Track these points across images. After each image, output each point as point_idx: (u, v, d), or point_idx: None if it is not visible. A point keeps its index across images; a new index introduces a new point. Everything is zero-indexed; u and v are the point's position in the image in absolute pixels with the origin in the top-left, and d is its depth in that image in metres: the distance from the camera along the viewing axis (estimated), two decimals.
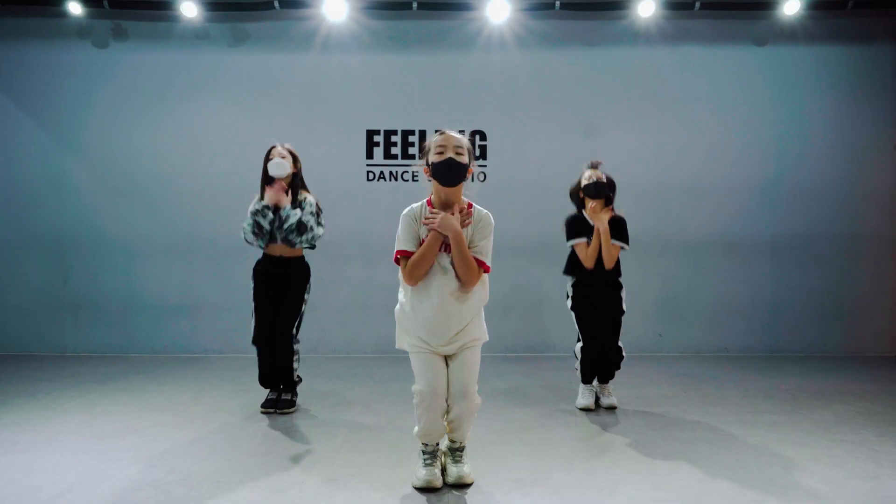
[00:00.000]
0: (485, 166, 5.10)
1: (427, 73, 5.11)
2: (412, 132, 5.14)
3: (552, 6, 4.92)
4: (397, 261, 2.21)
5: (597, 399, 3.44)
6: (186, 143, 5.08)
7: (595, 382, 3.50)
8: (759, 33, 5.09)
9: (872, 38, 5.08)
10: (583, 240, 3.34)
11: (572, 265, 3.41)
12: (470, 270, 2.14)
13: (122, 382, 3.99)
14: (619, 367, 3.46)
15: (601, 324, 3.41)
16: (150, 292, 5.07)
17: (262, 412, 3.29)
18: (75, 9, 4.79)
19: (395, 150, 5.12)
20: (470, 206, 2.25)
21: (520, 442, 2.79)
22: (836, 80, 5.10)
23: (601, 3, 4.98)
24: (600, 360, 3.42)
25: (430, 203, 2.24)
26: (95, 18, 5.03)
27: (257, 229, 3.19)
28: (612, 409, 3.35)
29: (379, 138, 5.14)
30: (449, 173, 2.16)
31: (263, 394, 3.43)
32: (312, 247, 3.36)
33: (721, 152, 5.11)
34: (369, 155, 5.15)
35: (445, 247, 2.17)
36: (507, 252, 5.02)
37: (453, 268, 2.17)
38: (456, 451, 2.29)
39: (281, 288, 3.29)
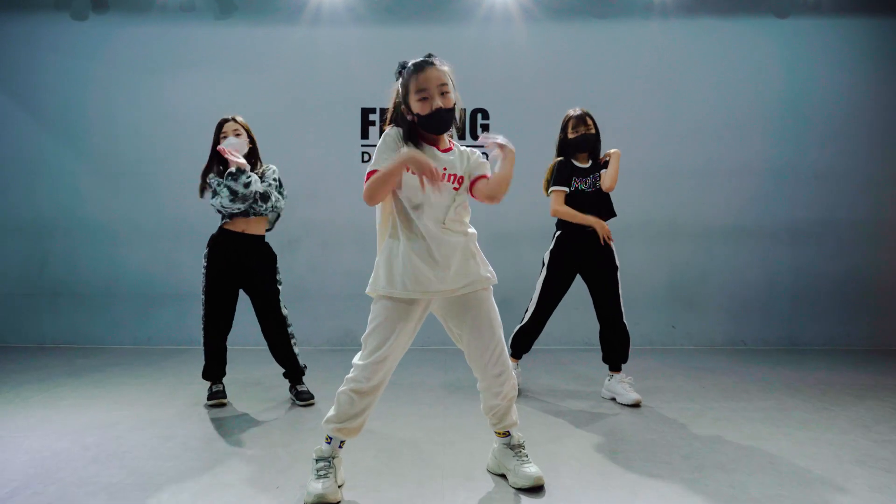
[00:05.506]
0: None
1: (426, 47, 4.65)
2: None
3: None
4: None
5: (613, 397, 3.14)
6: (171, 121, 4.79)
7: (610, 379, 3.18)
8: (780, 4, 4.77)
9: None
10: (563, 189, 3.07)
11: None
12: (505, 188, 2.00)
13: (97, 375, 3.72)
14: (628, 346, 3.11)
15: (593, 289, 3.10)
16: (133, 279, 4.79)
17: (210, 405, 2.99)
18: None
19: None
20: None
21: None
22: (864, 55, 4.78)
23: None
24: (607, 339, 3.10)
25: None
26: None
27: (232, 195, 2.88)
28: (636, 405, 3.02)
29: (374, 117, 4.84)
30: (441, 125, 1.92)
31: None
32: (271, 226, 3.12)
33: (737, 132, 4.80)
34: (364, 135, 4.85)
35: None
36: (509, 240, 4.75)
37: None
38: (518, 449, 2.01)
39: (247, 269, 2.97)
